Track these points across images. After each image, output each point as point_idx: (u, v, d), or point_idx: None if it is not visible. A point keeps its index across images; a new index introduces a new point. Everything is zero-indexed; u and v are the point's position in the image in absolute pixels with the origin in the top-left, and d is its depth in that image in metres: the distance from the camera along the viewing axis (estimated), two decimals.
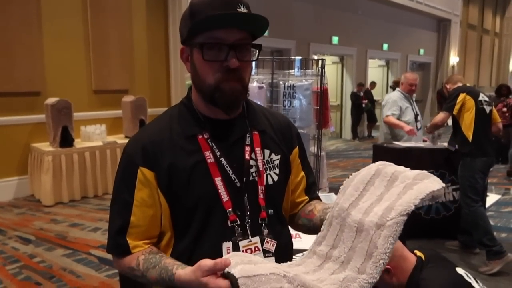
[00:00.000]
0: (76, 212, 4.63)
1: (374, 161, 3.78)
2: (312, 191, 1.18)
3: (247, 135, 1.03)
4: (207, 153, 0.98)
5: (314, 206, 1.11)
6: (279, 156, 1.07)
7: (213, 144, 0.99)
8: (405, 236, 2.44)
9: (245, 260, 0.76)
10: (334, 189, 2.75)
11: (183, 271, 0.85)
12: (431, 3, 12.91)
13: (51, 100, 5.06)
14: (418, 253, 1.74)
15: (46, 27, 5.36)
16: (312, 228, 1.08)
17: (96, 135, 5.52)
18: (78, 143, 5.28)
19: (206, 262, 0.77)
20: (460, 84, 3.51)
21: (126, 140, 5.87)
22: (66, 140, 5.03)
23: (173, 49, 6.65)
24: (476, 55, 17.51)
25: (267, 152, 1.05)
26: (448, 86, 3.62)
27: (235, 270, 0.73)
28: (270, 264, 0.78)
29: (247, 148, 1.02)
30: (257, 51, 1.00)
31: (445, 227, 3.73)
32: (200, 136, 0.99)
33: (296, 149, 1.14)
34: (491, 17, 18.40)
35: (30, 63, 5.23)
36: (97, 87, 5.94)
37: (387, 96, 4.20)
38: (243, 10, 0.92)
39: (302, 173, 1.15)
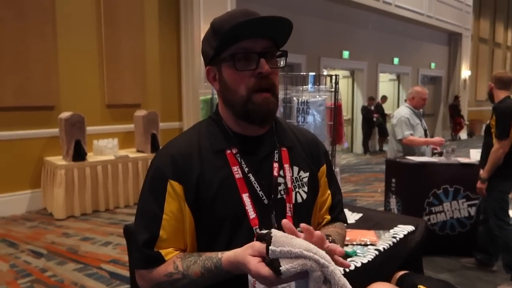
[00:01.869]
0: (88, 226, 4.64)
1: (387, 175, 3.72)
2: (337, 211, 1.14)
3: (276, 151, 1.01)
4: (235, 169, 0.96)
5: (336, 230, 1.07)
6: (307, 174, 1.05)
7: (242, 160, 0.97)
8: (421, 253, 2.39)
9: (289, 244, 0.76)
10: (347, 205, 2.72)
11: (231, 251, 0.85)
12: (441, 17, 12.92)
13: (65, 114, 5.13)
14: (420, 287, 1.69)
15: (61, 43, 5.48)
16: None
17: (108, 149, 5.57)
18: (91, 157, 5.33)
19: (260, 244, 0.79)
20: (506, 94, 3.18)
21: (138, 154, 5.95)
22: (78, 154, 5.08)
23: (185, 64, 6.73)
24: (488, 68, 17.38)
25: (296, 169, 1.03)
26: (492, 85, 3.24)
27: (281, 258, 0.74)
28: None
29: (276, 165, 1.00)
30: (284, 58, 1.00)
31: (461, 243, 3.65)
32: (229, 151, 0.98)
33: (324, 167, 1.11)
34: (503, 31, 18.31)
35: (45, 78, 5.33)
36: (110, 102, 6.02)
37: (397, 113, 4.09)
38: None
39: (329, 192, 1.12)
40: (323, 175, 1.11)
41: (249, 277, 0.87)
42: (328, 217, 1.12)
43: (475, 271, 3.41)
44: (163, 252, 0.94)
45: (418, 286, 1.71)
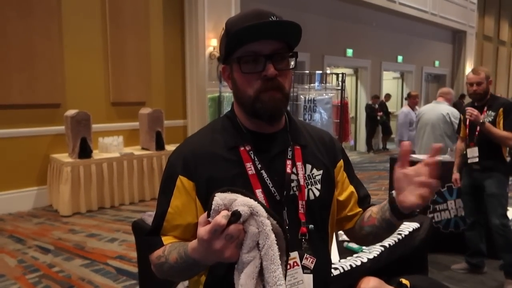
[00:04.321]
0: (94, 223, 4.68)
1: (391, 173, 3.73)
2: (366, 203, 1.15)
3: (289, 149, 1.03)
4: (248, 165, 0.99)
5: (372, 210, 1.08)
6: (321, 172, 1.07)
7: (255, 157, 1.00)
8: (427, 251, 2.41)
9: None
10: None
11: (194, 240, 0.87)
12: (446, 15, 12.88)
13: (71, 112, 5.17)
14: (404, 281, 1.72)
15: (67, 41, 5.51)
16: (377, 233, 1.05)
17: (114, 146, 5.60)
18: (96, 154, 5.36)
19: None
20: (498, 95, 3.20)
21: (143, 152, 6.01)
22: (84, 151, 5.12)
23: (189, 62, 6.75)
24: (493, 66, 17.31)
25: (308, 167, 1.05)
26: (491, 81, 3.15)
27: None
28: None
29: (288, 162, 1.02)
30: (294, 59, 1.02)
31: (464, 241, 3.65)
32: (242, 148, 1.00)
33: (341, 162, 1.13)
34: (507, 28, 18.23)
35: (51, 76, 5.36)
36: (115, 99, 6.05)
37: (451, 111, 4.35)
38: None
39: (351, 187, 1.13)
40: (340, 170, 1.12)
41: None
42: (360, 209, 1.13)
43: (467, 275, 3.40)
44: (163, 238, 1.01)
45: (400, 279, 1.73)
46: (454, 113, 4.33)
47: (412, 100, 6.13)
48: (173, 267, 0.94)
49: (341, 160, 1.13)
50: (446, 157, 3.87)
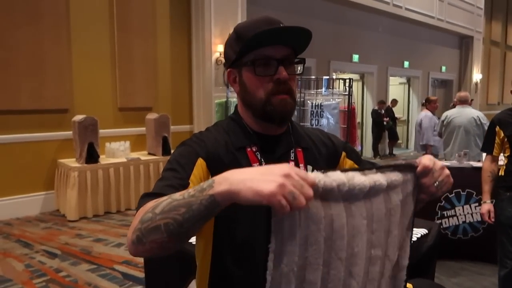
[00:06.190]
0: (100, 227, 4.70)
1: None
2: None
3: (292, 150, 1.07)
4: (255, 165, 1.01)
5: None
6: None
7: (261, 157, 1.03)
8: (435, 257, 2.38)
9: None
10: None
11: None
12: (452, 20, 12.84)
13: (78, 117, 5.21)
14: (408, 284, 1.71)
15: (75, 47, 5.56)
16: None
17: (120, 151, 5.63)
18: (103, 159, 5.39)
19: None
20: None
21: (150, 157, 5.99)
22: (91, 156, 5.15)
23: (196, 67, 6.79)
24: (500, 72, 17.21)
25: (309, 168, 1.09)
26: None
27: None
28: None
29: (292, 163, 1.05)
30: (302, 65, 1.07)
31: (473, 248, 3.63)
32: (249, 149, 1.04)
33: (344, 154, 1.16)
34: None
35: (59, 81, 5.41)
36: (122, 105, 6.09)
37: (481, 115, 4.62)
38: None
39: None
40: (344, 159, 1.16)
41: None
42: None
43: (488, 276, 3.39)
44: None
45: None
46: (481, 115, 4.62)
47: (433, 105, 6.12)
48: (171, 205, 0.74)
49: (343, 152, 1.16)
50: (453, 163, 3.84)
